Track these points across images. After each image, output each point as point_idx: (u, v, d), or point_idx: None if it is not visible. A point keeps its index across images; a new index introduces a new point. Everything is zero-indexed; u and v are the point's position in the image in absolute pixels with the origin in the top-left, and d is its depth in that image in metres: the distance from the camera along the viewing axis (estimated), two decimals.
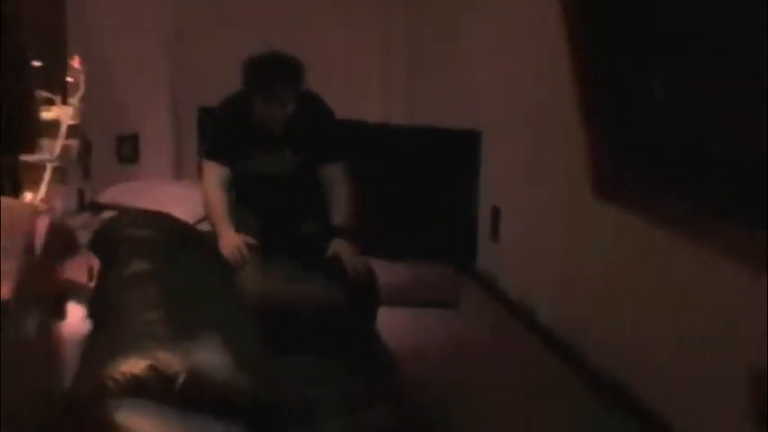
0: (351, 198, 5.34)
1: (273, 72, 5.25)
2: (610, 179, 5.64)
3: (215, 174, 5.31)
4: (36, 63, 5.00)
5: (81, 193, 7.08)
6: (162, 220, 5.19)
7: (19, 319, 3.11)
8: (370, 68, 8.11)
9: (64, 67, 6.33)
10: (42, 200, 4.42)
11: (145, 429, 2.90)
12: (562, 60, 5.80)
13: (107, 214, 6.38)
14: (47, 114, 5.50)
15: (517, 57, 6.88)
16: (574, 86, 5.73)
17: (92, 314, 4.32)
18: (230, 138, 5.36)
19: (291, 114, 5.26)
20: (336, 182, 5.35)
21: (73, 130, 5.72)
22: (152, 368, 3.06)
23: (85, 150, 7.02)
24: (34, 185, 4.51)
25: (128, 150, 8.27)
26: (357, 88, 7.94)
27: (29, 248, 3.51)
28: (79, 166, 6.75)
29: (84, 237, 5.77)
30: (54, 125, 5.42)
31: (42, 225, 3.94)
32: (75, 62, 6.66)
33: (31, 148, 4.76)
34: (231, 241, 5.05)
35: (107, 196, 7.58)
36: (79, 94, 6.47)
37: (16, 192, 4.36)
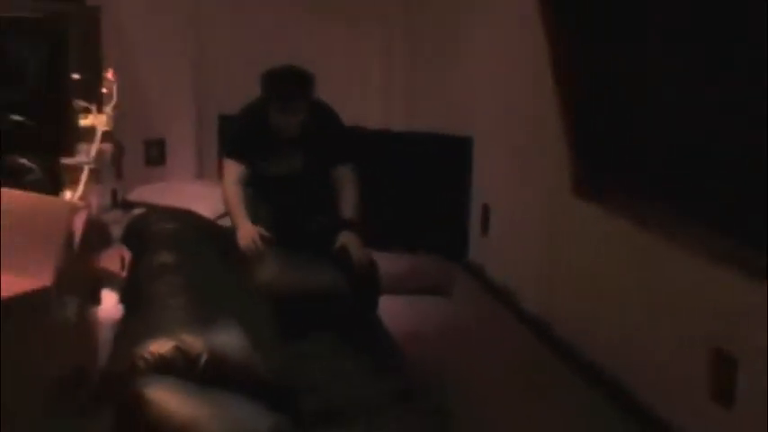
0: (358, 196, 5.35)
1: (288, 84, 5.27)
2: (587, 181, 5.65)
3: (233, 171, 5.33)
4: (75, 76, 5.01)
5: (114, 192, 7.09)
6: (186, 217, 5.20)
7: (61, 303, 3.13)
8: (372, 81, 8.12)
9: (99, 80, 6.33)
10: (80, 198, 4.43)
11: (171, 403, 2.92)
12: (546, 74, 5.80)
13: (137, 211, 6.39)
14: (84, 122, 5.50)
15: (505, 70, 6.88)
16: (556, 98, 5.73)
17: (124, 300, 4.34)
18: (249, 140, 5.38)
19: (304, 121, 5.27)
20: (345, 182, 5.35)
21: (107, 136, 5.72)
22: (177, 349, 3.08)
23: (118, 154, 7.02)
24: (73, 185, 4.51)
25: (155, 154, 8.28)
26: (360, 98, 7.94)
27: (69, 241, 3.52)
28: (112, 167, 6.75)
29: (116, 231, 5.79)
30: (90, 131, 5.42)
31: (80, 220, 3.95)
32: (109, 75, 6.66)
33: (71, 152, 4.77)
34: (248, 232, 5.06)
35: (136, 195, 7.59)
36: (112, 103, 6.47)
37: (57, 191, 4.37)
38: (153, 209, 6.28)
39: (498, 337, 6.20)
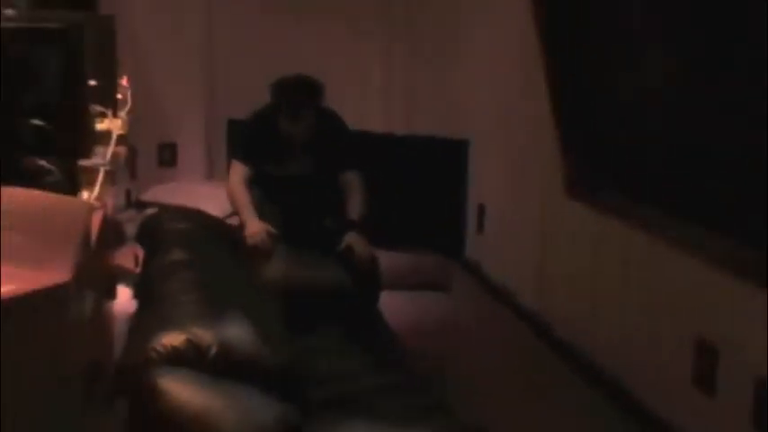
0: (365, 200, 5.33)
1: (298, 94, 5.26)
2: (580, 182, 5.67)
3: (239, 172, 5.32)
4: (92, 83, 5.01)
5: (128, 193, 7.09)
6: (197, 216, 5.20)
7: (79, 298, 3.13)
8: (372, 84, 8.14)
9: (114, 86, 6.33)
10: (96, 198, 4.42)
11: (183, 393, 2.92)
12: (539, 79, 5.81)
13: (150, 210, 6.39)
14: (100, 126, 5.49)
15: (500, 77, 6.89)
16: (550, 100, 5.74)
17: (137, 295, 4.34)
18: (257, 144, 5.37)
19: (312, 128, 5.27)
20: (352, 187, 5.32)
21: (121, 139, 5.71)
22: (189, 341, 3.08)
23: (132, 156, 7.03)
24: (90, 186, 4.51)
25: (167, 156, 8.29)
26: (360, 101, 7.95)
27: (86, 239, 3.53)
28: (126, 169, 6.75)
29: (130, 229, 5.79)
30: (106, 135, 5.41)
31: (96, 220, 3.95)
32: (124, 81, 6.66)
33: (88, 155, 4.77)
34: (255, 229, 5.06)
35: (149, 195, 7.60)
36: (127, 108, 6.47)
37: (75, 191, 4.37)
38: (165, 209, 6.28)
39: (495, 331, 6.22)
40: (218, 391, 2.99)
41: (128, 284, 5.06)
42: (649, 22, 4.80)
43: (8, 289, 2.74)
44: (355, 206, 5.28)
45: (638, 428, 4.83)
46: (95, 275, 3.84)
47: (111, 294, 4.77)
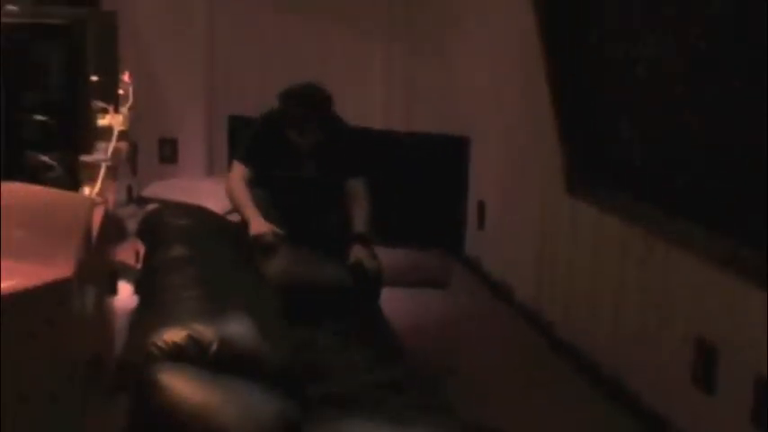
0: (370, 210, 5.30)
1: (304, 106, 5.24)
2: (579, 179, 5.67)
3: (239, 172, 5.30)
4: (93, 78, 5.01)
5: (129, 188, 7.10)
6: (197, 212, 5.20)
7: (81, 293, 3.13)
8: (374, 84, 8.14)
9: (116, 82, 6.32)
10: (98, 194, 4.43)
11: (184, 388, 2.92)
12: (539, 76, 5.81)
13: (151, 206, 6.39)
14: (101, 121, 5.49)
15: (500, 74, 6.89)
16: (550, 100, 5.74)
17: (139, 291, 4.34)
18: (262, 147, 5.34)
19: (318, 136, 5.25)
20: (357, 195, 5.28)
21: (123, 135, 5.71)
22: (190, 337, 3.08)
23: (133, 152, 7.03)
24: (91, 182, 4.51)
25: (168, 152, 8.30)
26: (364, 100, 7.96)
27: (87, 235, 3.53)
28: (127, 165, 6.76)
29: (131, 225, 5.79)
30: (107, 130, 5.41)
31: (98, 215, 3.95)
32: (126, 77, 6.66)
33: (89, 150, 4.77)
34: (260, 227, 5.04)
35: (150, 191, 7.61)
36: (128, 104, 6.46)
37: (77, 187, 4.37)
38: (166, 204, 6.29)
39: (495, 328, 6.22)
40: (219, 387, 2.99)
41: (129, 280, 5.07)
42: (657, 17, 4.79)
43: (9, 284, 2.74)
44: (360, 218, 5.24)
45: (637, 427, 4.83)
46: (96, 271, 3.84)
47: (112, 290, 4.77)
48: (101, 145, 5.14)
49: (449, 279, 7.01)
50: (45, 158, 4.29)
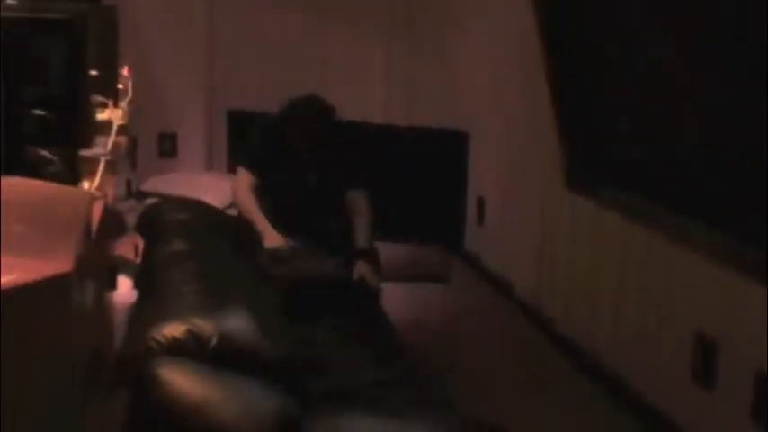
0: (371, 223, 5.25)
1: (307, 118, 5.22)
2: (579, 174, 5.67)
3: (246, 180, 5.21)
4: (93, 73, 5.01)
5: (128, 183, 7.09)
6: (197, 207, 5.20)
7: (80, 288, 3.14)
8: (374, 78, 8.13)
9: (115, 76, 6.33)
10: (97, 188, 4.44)
11: (184, 383, 2.92)
12: (539, 72, 5.81)
13: (150, 201, 6.39)
14: (101, 116, 5.50)
15: (500, 69, 6.89)
16: (550, 95, 5.74)
17: (138, 285, 4.34)
18: (266, 154, 5.28)
19: (320, 147, 5.21)
20: (359, 207, 5.23)
21: (122, 129, 5.72)
22: (189, 332, 3.08)
23: (132, 146, 7.03)
24: (90, 176, 4.52)
25: (167, 146, 8.29)
26: (363, 94, 7.96)
27: (87, 230, 3.53)
28: (127, 159, 6.76)
29: (131, 220, 5.80)
30: (107, 125, 5.42)
31: (97, 210, 3.96)
32: (125, 71, 6.66)
33: (88, 145, 4.78)
34: (275, 241, 4.97)
35: (150, 185, 7.60)
36: (128, 98, 6.47)
37: (76, 181, 4.38)
38: (165, 199, 6.29)
39: (494, 324, 6.23)
40: (218, 382, 2.99)
41: (128, 274, 5.07)
42: (658, 15, 4.79)
43: (9, 279, 2.74)
44: (363, 232, 5.18)
45: (637, 422, 4.83)
46: (96, 265, 3.85)
47: (112, 284, 4.78)
48: (100, 139, 5.15)
49: (449, 274, 7.01)
50: (45, 153, 4.30)
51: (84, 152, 4.67)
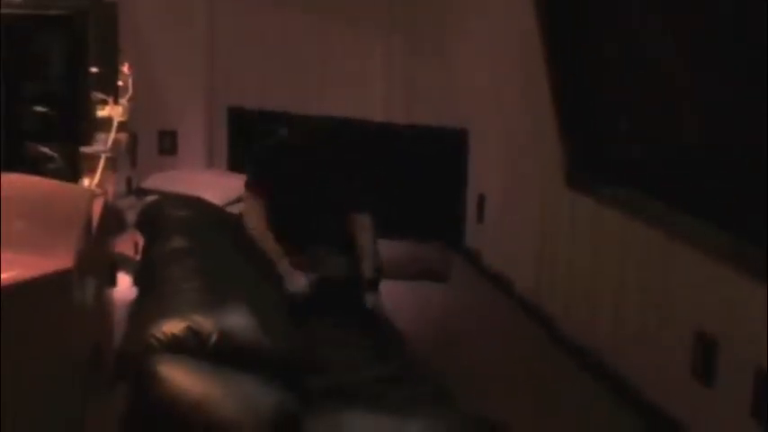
0: (376, 251, 5.19)
1: (310, 134, 5.20)
2: (579, 172, 5.67)
3: (258, 210, 5.06)
4: (93, 69, 5.01)
5: (129, 180, 7.10)
6: (197, 204, 5.20)
7: (81, 285, 3.14)
8: (374, 76, 8.13)
9: (116, 73, 6.34)
10: (97, 185, 4.44)
11: (184, 380, 2.93)
12: (539, 69, 5.81)
13: (150, 198, 6.39)
14: (101, 112, 5.50)
15: (499, 67, 6.89)
16: (550, 93, 5.74)
17: (138, 282, 4.34)
18: (271, 175, 5.21)
19: (324, 168, 5.18)
20: (364, 235, 5.17)
21: (122, 126, 5.72)
22: (189, 329, 3.08)
23: (132, 143, 7.04)
24: (91, 173, 4.53)
25: (168, 144, 8.29)
26: (363, 92, 7.96)
27: (87, 226, 3.53)
28: (127, 156, 6.76)
29: (131, 217, 5.80)
30: (107, 122, 5.42)
31: (97, 206, 3.95)
32: (125, 68, 6.67)
33: (89, 141, 4.78)
34: (299, 283, 4.88)
35: (150, 183, 7.60)
36: (128, 95, 6.48)
37: (77, 178, 4.38)
38: (166, 196, 6.29)
39: (494, 321, 6.23)
40: (218, 379, 2.99)
41: (128, 271, 5.07)
42: (658, 13, 4.79)
43: (10, 275, 2.74)
44: (368, 260, 5.12)
45: (637, 420, 4.83)
46: (96, 262, 3.85)
47: (112, 281, 4.78)
48: (100, 136, 5.15)
49: (449, 272, 7.01)
50: (45, 149, 4.30)
51: (85, 149, 4.67)
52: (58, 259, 2.91)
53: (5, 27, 4.26)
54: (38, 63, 4.45)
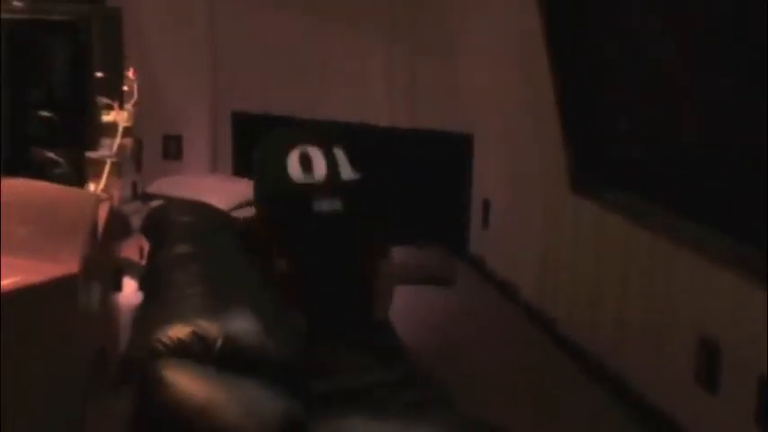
0: (392, 293, 5.18)
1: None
2: (583, 177, 5.67)
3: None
4: (98, 75, 5.02)
5: (134, 185, 7.11)
6: (202, 209, 5.17)
7: (86, 289, 3.15)
8: (378, 82, 8.13)
9: (121, 78, 6.35)
10: (103, 190, 4.45)
11: (187, 385, 2.91)
12: (542, 75, 5.82)
13: (155, 203, 6.40)
14: (106, 117, 5.51)
15: (502, 70, 6.89)
16: (554, 98, 5.75)
17: (143, 287, 4.34)
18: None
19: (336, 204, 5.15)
20: (383, 281, 5.16)
21: (127, 131, 5.73)
22: (194, 333, 3.06)
23: (137, 148, 7.05)
24: (96, 178, 4.53)
25: (172, 148, 8.30)
26: (366, 96, 7.97)
27: (93, 231, 3.54)
28: (132, 161, 6.77)
29: (136, 221, 5.80)
30: (112, 127, 5.43)
31: (103, 211, 3.97)
32: (130, 73, 6.68)
33: (94, 147, 4.79)
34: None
35: (155, 187, 7.61)
36: (133, 100, 6.49)
37: (82, 183, 4.39)
38: (171, 201, 6.29)
39: (499, 326, 6.23)
40: (223, 384, 2.98)
41: (133, 276, 5.08)
42: (661, 16, 4.80)
43: (16, 280, 2.76)
44: (380, 300, 5.11)
45: (640, 426, 4.83)
46: (101, 267, 3.86)
47: (117, 286, 4.79)
48: (106, 141, 5.16)
49: (453, 277, 7.01)
50: (51, 155, 4.31)
51: (91, 154, 4.68)
52: (64, 264, 2.92)
53: (10, 32, 4.27)
54: (43, 68, 4.47)
